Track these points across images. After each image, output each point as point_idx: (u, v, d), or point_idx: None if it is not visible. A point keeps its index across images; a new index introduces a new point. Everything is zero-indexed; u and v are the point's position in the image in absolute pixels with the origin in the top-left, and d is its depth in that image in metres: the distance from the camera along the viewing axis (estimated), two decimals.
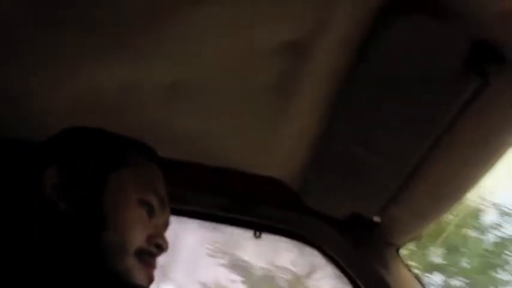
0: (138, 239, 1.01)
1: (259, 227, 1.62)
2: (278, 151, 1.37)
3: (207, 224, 1.65)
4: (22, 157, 1.10)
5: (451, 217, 5.21)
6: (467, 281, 5.95)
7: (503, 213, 6.04)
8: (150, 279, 1.03)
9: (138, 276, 0.99)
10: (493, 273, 5.87)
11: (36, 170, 1.03)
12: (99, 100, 1.25)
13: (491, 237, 6.05)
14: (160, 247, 1.04)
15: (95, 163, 1.04)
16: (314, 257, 1.58)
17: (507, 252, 5.95)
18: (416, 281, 1.54)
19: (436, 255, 5.94)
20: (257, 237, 1.66)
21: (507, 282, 5.89)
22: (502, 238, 5.99)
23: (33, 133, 1.19)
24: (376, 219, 1.43)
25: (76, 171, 1.03)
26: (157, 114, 1.29)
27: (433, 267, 5.90)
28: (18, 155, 1.13)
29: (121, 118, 1.20)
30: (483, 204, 5.88)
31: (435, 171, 1.20)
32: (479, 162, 1.15)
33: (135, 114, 1.28)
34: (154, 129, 1.24)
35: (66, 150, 1.07)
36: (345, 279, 1.57)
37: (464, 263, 6.00)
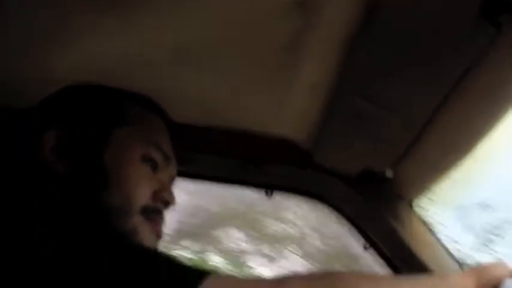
0: (143, 196, 0.99)
1: (270, 186, 1.63)
2: (288, 110, 1.36)
3: None
4: (19, 122, 1.08)
5: None
6: None
7: None
8: (158, 236, 1.02)
9: (145, 234, 0.98)
10: None
11: (34, 133, 1.01)
12: (102, 68, 1.23)
13: None
14: (167, 202, 1.03)
15: (96, 120, 1.03)
16: None
17: None
18: (430, 234, 1.54)
19: None
20: (269, 196, 1.67)
21: None
22: None
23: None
24: (388, 174, 1.43)
25: (76, 131, 1.01)
26: (164, 79, 1.27)
27: None
28: (16, 122, 1.11)
29: (125, 85, 1.19)
30: None
31: (446, 123, 1.19)
32: (489, 113, 1.14)
33: (140, 79, 1.26)
34: (161, 94, 1.23)
35: (64, 109, 1.05)
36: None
37: None
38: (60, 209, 0.94)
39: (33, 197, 0.96)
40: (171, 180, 1.09)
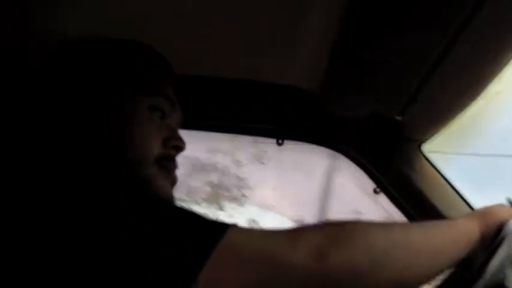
0: (155, 146, 1.00)
1: (282, 135, 1.65)
2: (296, 58, 1.37)
3: None
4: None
5: None
6: None
7: None
8: (173, 182, 1.04)
9: (162, 183, 1.00)
10: None
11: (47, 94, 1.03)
12: (104, 25, 1.23)
13: None
14: (178, 147, 1.05)
15: (97, 76, 1.03)
16: None
17: None
18: (440, 176, 1.57)
19: None
20: (279, 144, 1.69)
21: None
22: None
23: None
24: (398, 117, 1.45)
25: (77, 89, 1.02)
26: (173, 31, 1.26)
27: None
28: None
29: (127, 32, 1.15)
30: None
31: (454, 65, 1.20)
32: (498, 54, 1.15)
33: (148, 31, 1.24)
34: (170, 46, 1.21)
35: (68, 70, 1.05)
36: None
37: None
38: (78, 165, 0.97)
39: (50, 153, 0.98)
40: (178, 124, 1.10)
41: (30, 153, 1.00)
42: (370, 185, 1.66)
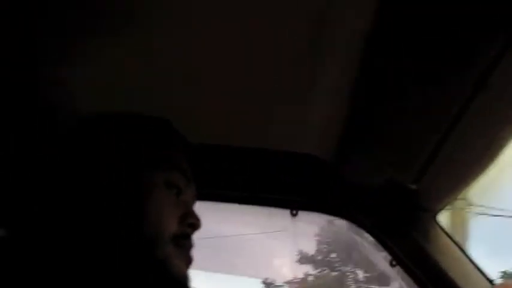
0: (171, 224, 0.99)
1: (295, 205, 1.63)
2: (309, 125, 1.37)
3: None
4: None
5: None
6: None
7: None
8: (188, 262, 1.01)
9: (178, 262, 0.98)
10: None
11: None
12: (119, 86, 1.26)
13: None
14: (193, 225, 1.03)
15: (115, 152, 1.02)
16: None
17: None
18: (457, 247, 1.53)
19: None
20: (294, 215, 1.66)
21: None
22: None
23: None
24: (413, 186, 1.43)
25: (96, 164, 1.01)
26: (181, 100, 1.29)
27: None
28: None
29: (142, 104, 1.17)
30: None
31: (469, 131, 1.19)
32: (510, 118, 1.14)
33: (157, 99, 1.26)
34: (179, 116, 1.22)
35: (90, 140, 1.04)
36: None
37: None
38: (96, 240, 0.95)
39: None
40: (193, 199, 1.08)
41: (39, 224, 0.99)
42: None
